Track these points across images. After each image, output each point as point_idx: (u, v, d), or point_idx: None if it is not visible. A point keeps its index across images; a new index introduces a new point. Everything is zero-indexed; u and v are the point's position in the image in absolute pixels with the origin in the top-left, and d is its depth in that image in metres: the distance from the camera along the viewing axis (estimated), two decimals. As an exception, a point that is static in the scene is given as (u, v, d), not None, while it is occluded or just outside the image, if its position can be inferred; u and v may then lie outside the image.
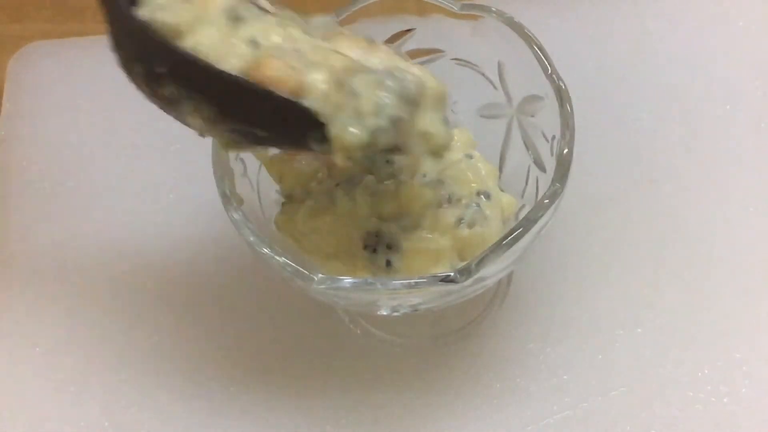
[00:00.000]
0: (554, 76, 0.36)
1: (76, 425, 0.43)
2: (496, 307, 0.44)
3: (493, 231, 0.37)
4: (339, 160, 0.30)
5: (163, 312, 0.45)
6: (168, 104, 0.30)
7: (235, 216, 0.35)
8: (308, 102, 0.29)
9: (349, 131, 0.29)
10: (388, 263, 0.36)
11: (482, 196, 0.38)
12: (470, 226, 0.37)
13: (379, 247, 0.36)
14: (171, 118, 0.31)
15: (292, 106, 0.29)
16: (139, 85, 0.31)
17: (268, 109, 0.30)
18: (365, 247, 0.36)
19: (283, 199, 0.39)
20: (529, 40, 0.37)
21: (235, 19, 0.30)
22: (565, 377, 0.42)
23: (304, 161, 0.38)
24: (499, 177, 0.40)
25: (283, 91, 0.29)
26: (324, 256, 0.37)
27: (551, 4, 0.52)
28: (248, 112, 0.30)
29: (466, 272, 0.33)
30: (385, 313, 0.37)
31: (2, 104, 0.52)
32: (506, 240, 0.33)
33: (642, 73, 0.50)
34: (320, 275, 0.33)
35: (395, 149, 0.31)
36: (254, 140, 0.31)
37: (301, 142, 0.30)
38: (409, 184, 0.37)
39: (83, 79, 0.52)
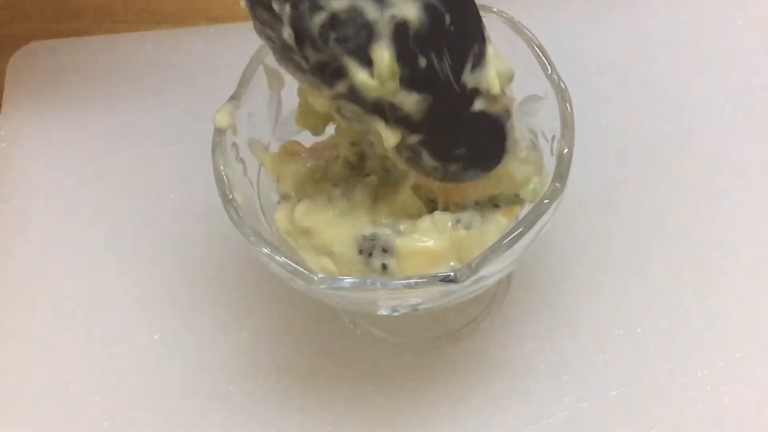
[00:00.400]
0: (554, 76, 0.36)
1: (76, 425, 0.43)
2: (496, 307, 0.44)
3: (491, 232, 0.37)
4: (493, 89, 0.33)
5: (162, 312, 0.45)
6: None
7: (235, 216, 0.35)
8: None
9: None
10: (384, 267, 0.35)
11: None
12: (467, 227, 0.36)
13: (374, 252, 0.35)
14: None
15: (482, 43, 0.33)
16: None
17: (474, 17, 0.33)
18: (360, 252, 0.36)
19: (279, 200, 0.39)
20: (529, 40, 0.37)
21: None
22: (565, 377, 0.42)
23: (302, 162, 0.38)
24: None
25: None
26: (316, 258, 0.37)
27: (551, 4, 0.52)
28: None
29: (466, 272, 0.33)
30: (385, 313, 0.37)
31: (2, 104, 0.52)
32: (506, 240, 0.33)
33: (642, 73, 0.50)
34: (320, 275, 0.33)
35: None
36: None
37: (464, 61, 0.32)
38: (406, 188, 0.37)
39: (83, 79, 0.52)
